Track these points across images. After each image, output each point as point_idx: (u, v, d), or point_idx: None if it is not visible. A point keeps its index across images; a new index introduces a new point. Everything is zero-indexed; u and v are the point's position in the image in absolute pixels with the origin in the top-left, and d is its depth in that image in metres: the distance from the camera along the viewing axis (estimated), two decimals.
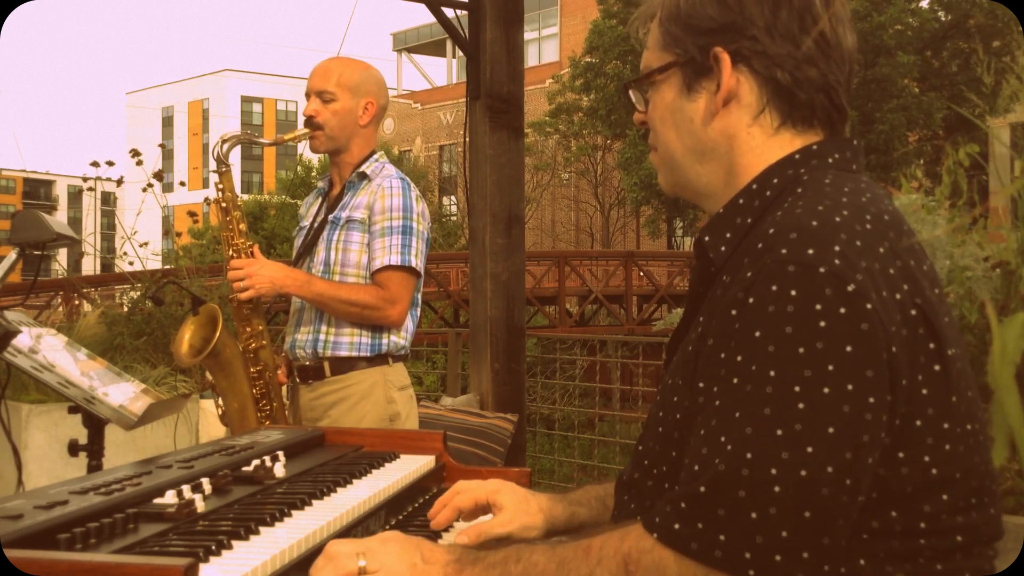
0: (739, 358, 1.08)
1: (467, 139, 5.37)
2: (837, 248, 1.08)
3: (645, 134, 1.37)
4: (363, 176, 3.04)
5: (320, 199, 3.17)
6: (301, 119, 3.11)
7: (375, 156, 3.09)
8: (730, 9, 1.24)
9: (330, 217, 3.04)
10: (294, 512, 1.42)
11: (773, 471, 1.03)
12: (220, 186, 2.99)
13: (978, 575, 1.14)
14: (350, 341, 2.98)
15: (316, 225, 3.09)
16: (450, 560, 1.23)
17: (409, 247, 2.95)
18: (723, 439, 1.06)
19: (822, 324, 1.04)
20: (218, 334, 2.88)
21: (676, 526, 1.07)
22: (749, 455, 1.04)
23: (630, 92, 1.37)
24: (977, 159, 3.62)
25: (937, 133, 23.01)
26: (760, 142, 1.26)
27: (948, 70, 23.47)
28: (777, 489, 1.03)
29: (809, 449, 1.03)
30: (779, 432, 1.03)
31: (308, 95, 3.06)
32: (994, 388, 0.58)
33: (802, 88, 1.24)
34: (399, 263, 2.94)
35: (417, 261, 2.97)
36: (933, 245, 3.57)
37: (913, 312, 1.11)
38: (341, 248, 2.99)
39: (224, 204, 2.98)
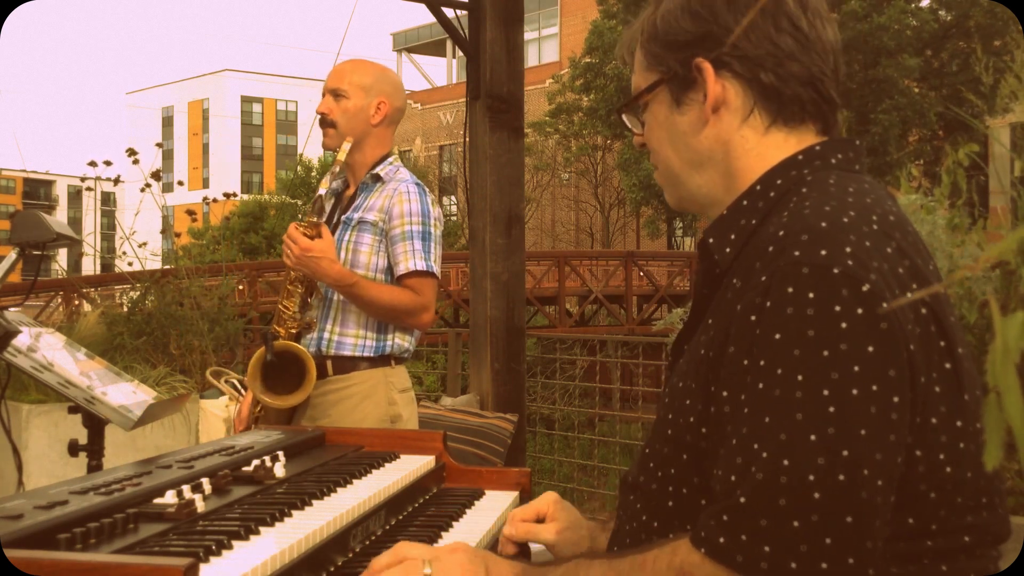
0: (763, 363, 1.07)
1: (467, 139, 5.37)
2: (848, 249, 1.08)
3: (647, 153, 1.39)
4: (377, 178, 3.08)
5: (334, 199, 3.20)
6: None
7: (390, 159, 3.12)
8: (704, 20, 1.26)
9: (343, 218, 3.08)
10: (294, 512, 1.42)
11: (811, 477, 1.02)
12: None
13: None
14: (354, 342, 3.00)
15: (330, 225, 3.12)
16: (513, 574, 1.24)
17: (430, 252, 3.01)
18: (757, 446, 1.05)
19: (843, 325, 1.04)
20: (311, 383, 2.91)
21: (721, 539, 1.07)
22: (786, 462, 1.03)
23: (624, 117, 1.39)
24: (976, 159, 3.62)
25: (936, 133, 22.99)
26: (754, 143, 1.27)
27: (948, 70, 23.44)
28: (817, 495, 1.02)
29: (844, 453, 1.02)
30: (813, 437, 1.03)
31: (324, 95, 3.13)
32: (993, 384, 0.57)
33: (787, 84, 1.25)
34: (425, 268, 2.99)
35: (437, 267, 3.03)
36: (933, 245, 3.57)
37: (923, 311, 1.11)
38: (352, 249, 3.02)
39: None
